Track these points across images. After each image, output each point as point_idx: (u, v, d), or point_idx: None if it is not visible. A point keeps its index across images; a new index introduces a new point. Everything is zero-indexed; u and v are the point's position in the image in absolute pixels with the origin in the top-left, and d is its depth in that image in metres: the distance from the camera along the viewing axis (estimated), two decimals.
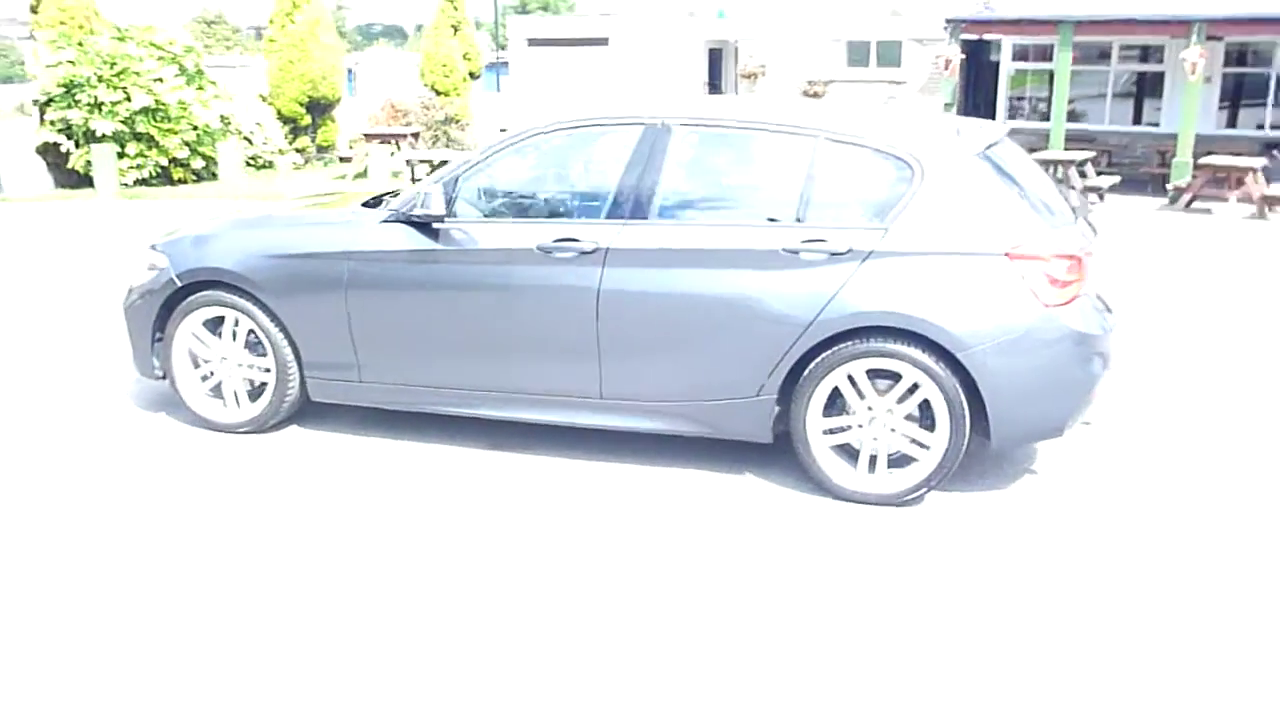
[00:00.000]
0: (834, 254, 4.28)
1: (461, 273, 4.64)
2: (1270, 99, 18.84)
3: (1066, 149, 16.78)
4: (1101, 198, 15.52)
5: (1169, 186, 15.83)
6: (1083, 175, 15.93)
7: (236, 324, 4.99)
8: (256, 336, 4.98)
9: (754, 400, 4.44)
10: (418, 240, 4.68)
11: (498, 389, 4.73)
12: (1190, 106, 16.11)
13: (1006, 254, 4.20)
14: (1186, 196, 15.10)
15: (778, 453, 4.77)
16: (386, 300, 4.75)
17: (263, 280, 4.86)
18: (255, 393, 5.10)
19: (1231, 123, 19.25)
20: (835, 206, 4.39)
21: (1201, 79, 16.01)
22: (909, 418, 4.34)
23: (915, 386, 4.27)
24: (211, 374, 5.12)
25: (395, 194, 5.25)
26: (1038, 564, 3.93)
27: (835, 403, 4.41)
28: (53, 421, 5.32)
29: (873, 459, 4.40)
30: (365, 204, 5.16)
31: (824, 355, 4.31)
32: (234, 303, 4.94)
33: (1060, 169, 15.83)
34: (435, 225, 4.65)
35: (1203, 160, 15.13)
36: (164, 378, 5.20)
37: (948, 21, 17.63)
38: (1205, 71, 15.97)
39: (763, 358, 4.38)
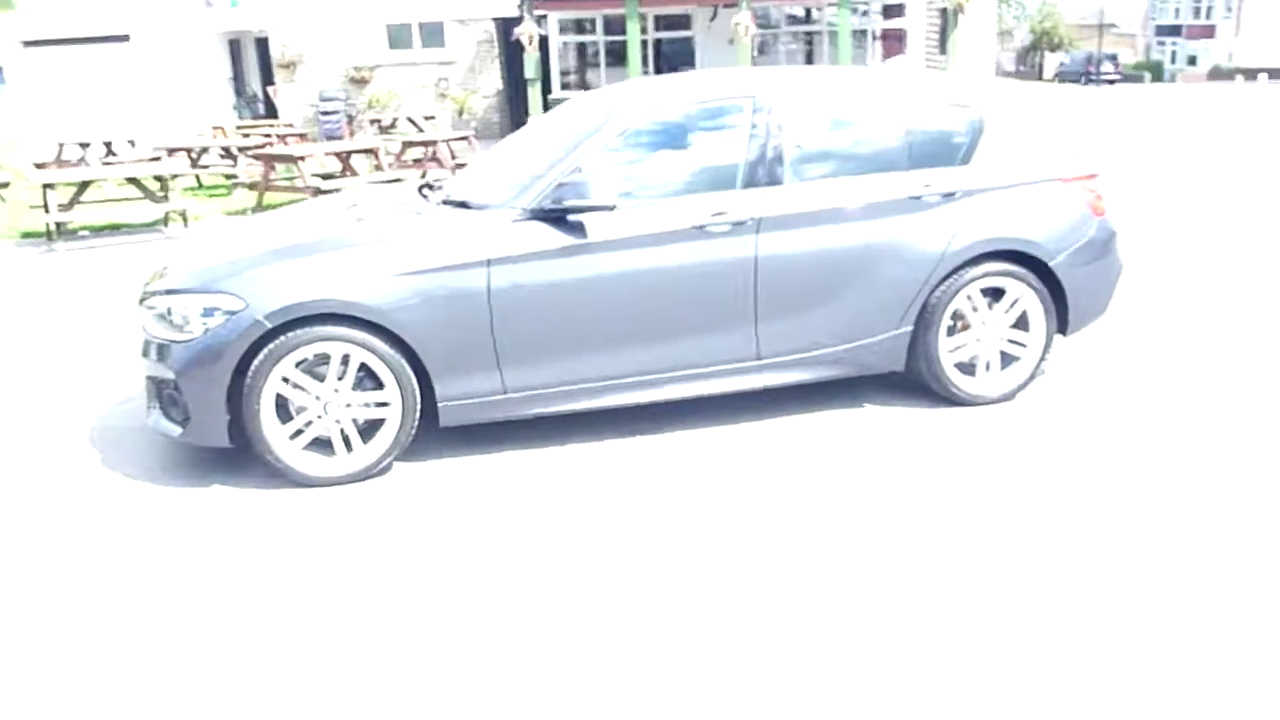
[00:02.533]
0: (945, 195, 4.89)
1: (620, 259, 4.53)
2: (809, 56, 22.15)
3: None
4: None
5: None
6: None
7: (345, 359, 4.36)
8: (367, 369, 4.41)
9: (895, 334, 4.94)
10: (564, 233, 4.47)
11: (657, 370, 4.70)
12: (744, 63, 18.47)
13: (1062, 178, 5.11)
14: None
15: (880, 381, 5.31)
16: (538, 301, 4.47)
17: (387, 304, 4.31)
18: (365, 433, 4.51)
19: None
20: (930, 155, 4.98)
21: (752, 40, 18.44)
22: (1012, 325, 5.11)
23: (1015, 298, 5.05)
24: (308, 424, 4.42)
25: (433, 187, 4.95)
26: (1106, 443, 4.94)
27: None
28: (99, 515, 4.22)
29: (988, 364, 5.12)
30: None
31: (948, 283, 4.92)
32: (344, 335, 4.32)
33: None
34: (573, 217, 4.48)
35: None
36: (231, 443, 4.40)
37: None
38: (746, 34, 18.37)
39: (904, 295, 4.88)
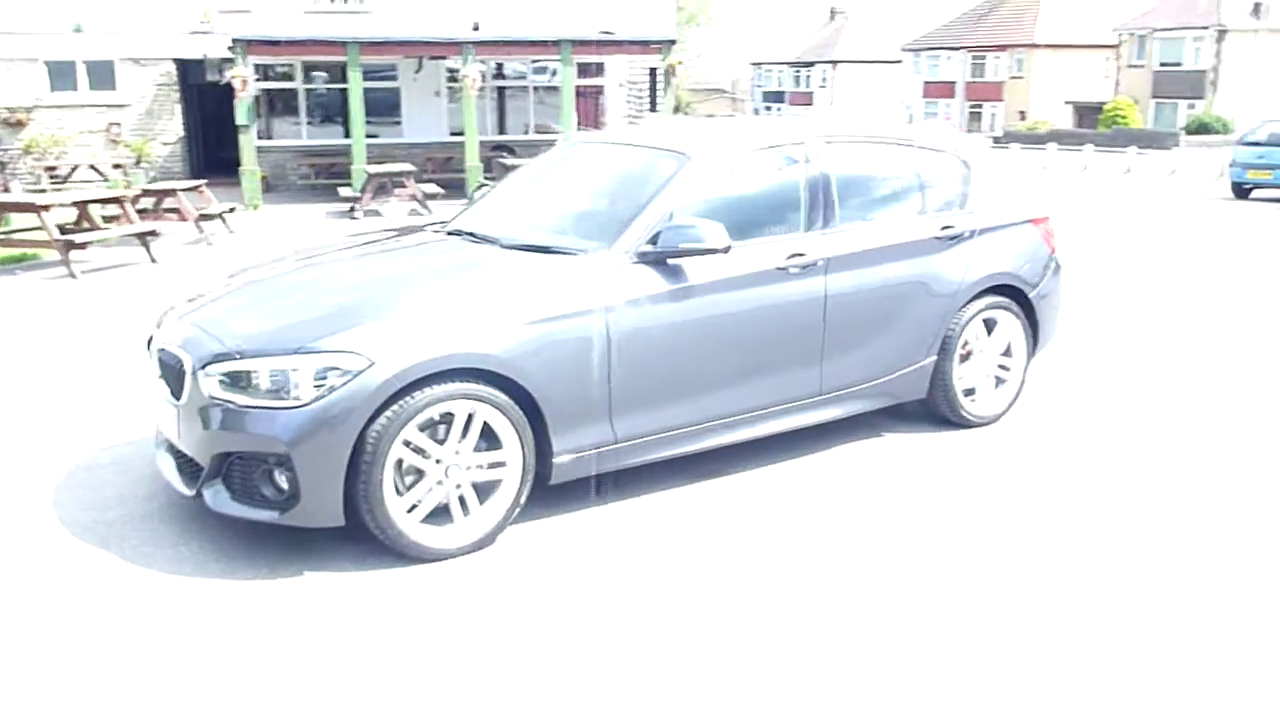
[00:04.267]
0: (957, 235, 5.35)
1: (717, 302, 4.52)
2: (500, 109, 22.29)
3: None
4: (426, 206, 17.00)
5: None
6: (403, 185, 17.15)
7: (470, 417, 4.01)
8: (489, 427, 4.08)
9: (924, 364, 5.30)
10: (667, 278, 4.40)
11: (744, 410, 4.72)
12: (470, 116, 18.46)
13: (1031, 220, 5.76)
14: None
15: (890, 413, 5.64)
16: (650, 346, 4.35)
17: (515, 355, 4.02)
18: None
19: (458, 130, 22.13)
20: (938, 199, 5.43)
21: (475, 92, 18.45)
22: (1001, 353, 5.66)
23: (1005, 327, 5.61)
24: (429, 491, 4.01)
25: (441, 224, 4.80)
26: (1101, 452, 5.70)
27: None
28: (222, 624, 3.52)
29: (983, 389, 5.62)
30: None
31: (960, 315, 5.38)
32: (473, 391, 3.97)
33: (391, 181, 16.93)
34: (674, 261, 4.43)
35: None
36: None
37: (235, 41, 17.19)
38: (474, 87, 18.37)
39: (932, 327, 5.26)
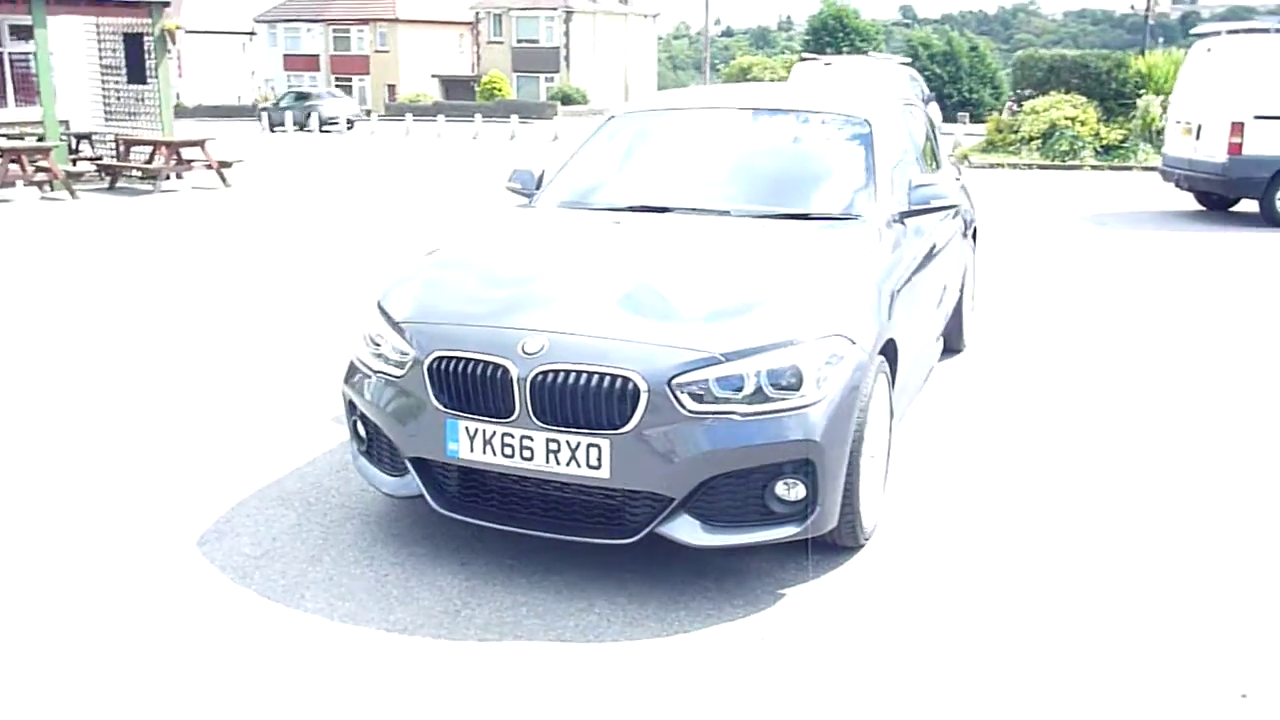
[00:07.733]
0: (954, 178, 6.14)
1: (927, 249, 4.80)
2: None
3: None
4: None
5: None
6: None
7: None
8: None
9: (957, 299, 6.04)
10: (904, 232, 4.55)
11: None
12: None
13: (957, 176, 6.73)
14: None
15: None
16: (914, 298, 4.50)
17: (895, 323, 3.99)
18: None
19: None
20: (936, 151, 6.13)
21: None
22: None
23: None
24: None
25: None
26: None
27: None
28: None
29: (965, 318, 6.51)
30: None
31: (964, 254, 6.19)
32: (883, 365, 3.84)
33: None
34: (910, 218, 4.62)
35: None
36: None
37: None
38: None
39: (960, 263, 6.01)
